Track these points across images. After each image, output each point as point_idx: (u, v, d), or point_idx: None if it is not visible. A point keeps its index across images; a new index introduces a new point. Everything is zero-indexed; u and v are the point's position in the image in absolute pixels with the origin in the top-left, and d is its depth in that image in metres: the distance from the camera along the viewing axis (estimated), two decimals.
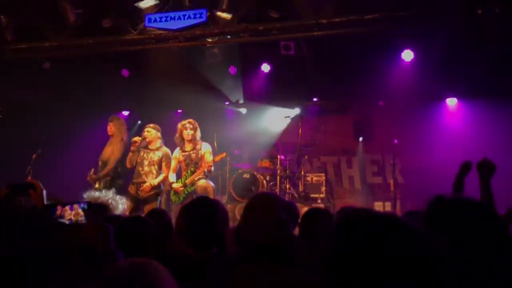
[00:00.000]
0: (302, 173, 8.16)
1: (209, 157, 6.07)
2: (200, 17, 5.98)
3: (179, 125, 6.15)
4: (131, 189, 6.02)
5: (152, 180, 5.97)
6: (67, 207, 1.96)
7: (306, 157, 8.40)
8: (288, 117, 8.87)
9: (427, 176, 7.69)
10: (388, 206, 7.68)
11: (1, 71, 6.95)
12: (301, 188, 8.07)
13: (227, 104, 9.32)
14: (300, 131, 8.03)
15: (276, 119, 9.17)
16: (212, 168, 6.14)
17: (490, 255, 1.54)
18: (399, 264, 1.01)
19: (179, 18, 6.03)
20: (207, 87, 8.16)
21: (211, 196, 5.75)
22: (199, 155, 6.08)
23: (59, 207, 1.94)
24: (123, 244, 1.85)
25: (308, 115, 9.04)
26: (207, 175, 6.16)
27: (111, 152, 6.19)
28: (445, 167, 7.14)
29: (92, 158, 6.43)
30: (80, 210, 1.94)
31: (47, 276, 1.44)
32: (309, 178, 8.20)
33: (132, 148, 6.06)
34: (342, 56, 7.24)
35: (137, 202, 5.95)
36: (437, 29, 6.14)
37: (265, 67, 7.99)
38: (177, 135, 6.15)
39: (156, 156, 6.08)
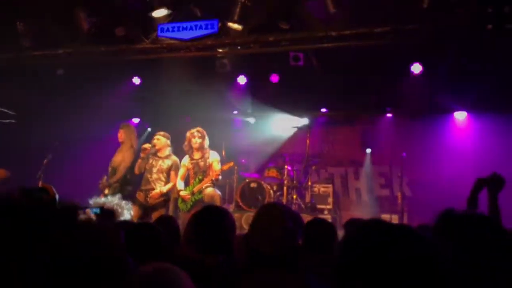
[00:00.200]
0: (309, 183, 8.16)
1: (217, 166, 6.11)
2: (212, 27, 6.07)
3: (188, 134, 6.21)
4: (139, 196, 6.07)
5: (161, 187, 6.02)
6: (80, 212, 2.01)
7: (313, 167, 8.41)
8: (296, 127, 8.90)
9: (435, 189, 7.65)
10: (395, 219, 7.64)
11: (15, 76, 7.07)
12: (308, 199, 8.07)
13: (235, 114, 9.38)
14: (308, 141, 8.05)
15: (284, 130, 9.20)
16: (220, 177, 6.17)
17: (496, 261, 1.56)
18: (407, 269, 1.04)
19: (191, 28, 6.12)
20: (216, 97, 8.23)
21: (218, 204, 5.81)
22: (207, 164, 6.13)
23: None
24: (132, 250, 1.88)
25: (316, 125, 9.07)
26: (215, 184, 6.20)
27: (121, 159, 6.26)
28: (453, 181, 7.15)
29: (102, 164, 6.49)
30: (92, 215, 1.99)
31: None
32: (316, 189, 8.19)
33: (141, 154, 6.12)
34: (350, 68, 7.27)
35: (145, 209, 6.00)
36: (447, 42, 6.17)
37: (274, 78, 8.05)
38: (185, 143, 6.21)
39: (165, 164, 6.13)
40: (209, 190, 6.04)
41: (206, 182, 6.04)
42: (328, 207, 8.03)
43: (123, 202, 3.36)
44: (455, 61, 6.58)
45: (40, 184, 5.59)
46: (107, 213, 2.73)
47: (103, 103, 7.90)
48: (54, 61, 6.99)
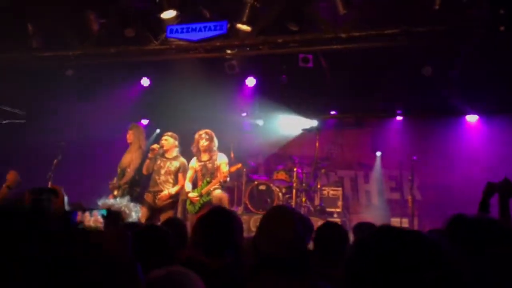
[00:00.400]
0: (319, 186, 8.11)
1: (224, 168, 6.10)
2: (221, 29, 6.05)
3: (196, 135, 6.21)
4: (148, 197, 6.07)
5: (169, 189, 6.02)
6: (87, 213, 2.00)
7: (322, 170, 8.36)
8: (306, 129, 8.86)
9: (446, 193, 7.58)
10: (405, 223, 7.58)
11: (25, 77, 7.12)
12: (317, 202, 8.02)
13: (244, 116, 9.36)
14: (317, 144, 8.00)
15: (293, 132, 9.17)
16: (228, 179, 6.17)
17: (507, 266, 1.53)
18: (418, 275, 1.03)
19: (200, 29, 6.12)
20: (225, 98, 8.22)
21: (226, 206, 5.80)
22: (215, 166, 6.11)
23: (79, 213, 1.98)
24: (139, 252, 1.87)
25: (326, 128, 9.02)
26: (223, 186, 6.19)
27: (130, 160, 6.26)
28: (464, 185, 7.07)
29: (112, 165, 6.51)
30: (99, 217, 1.97)
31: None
32: (325, 192, 8.14)
33: (149, 155, 6.13)
34: (360, 70, 7.22)
35: (153, 210, 6.00)
36: (458, 44, 6.10)
37: (283, 79, 8.02)
38: (194, 144, 6.21)
39: (173, 166, 6.13)
40: (217, 192, 6.03)
41: (214, 184, 6.03)
42: (338, 210, 7.98)
43: (131, 204, 3.34)
44: (467, 63, 6.50)
45: (49, 184, 5.61)
46: (114, 215, 2.72)
47: (112, 104, 7.93)
48: (64, 63, 7.03)
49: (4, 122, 7.45)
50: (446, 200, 7.48)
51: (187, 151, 6.37)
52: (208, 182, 6.03)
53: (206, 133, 6.16)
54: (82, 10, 6.42)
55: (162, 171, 6.10)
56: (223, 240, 2.37)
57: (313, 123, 8.95)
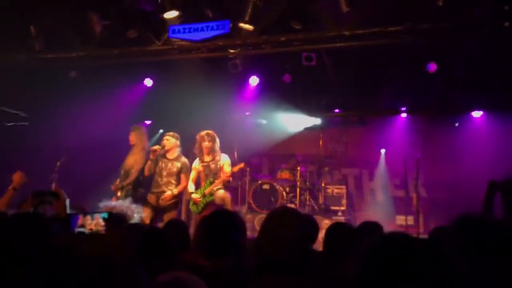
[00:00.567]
0: (323, 185, 8.10)
1: (227, 168, 6.09)
2: (223, 28, 6.03)
3: (198, 137, 6.20)
4: (151, 198, 6.07)
5: (172, 190, 6.02)
6: (88, 217, 2.00)
7: (326, 168, 8.34)
8: (309, 128, 8.83)
9: (451, 190, 7.54)
10: (410, 220, 7.56)
11: (28, 78, 7.14)
12: (321, 200, 8.01)
13: (247, 115, 9.34)
14: (321, 142, 8.00)
15: (296, 130, 9.14)
16: (231, 179, 6.17)
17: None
18: (424, 283, 1.05)
19: (202, 29, 6.10)
20: (228, 98, 8.21)
21: (229, 207, 5.81)
22: (218, 166, 6.11)
23: (80, 217, 1.97)
24: (140, 254, 1.86)
25: (329, 126, 9.00)
26: (226, 186, 6.18)
27: (133, 161, 6.26)
28: (469, 182, 7.01)
29: (115, 166, 6.51)
30: (100, 220, 1.97)
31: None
32: (329, 190, 8.13)
33: (151, 156, 6.12)
34: (364, 67, 7.19)
35: (157, 211, 6.00)
36: (462, 40, 6.05)
37: (286, 78, 8.00)
38: (196, 145, 6.21)
39: (174, 167, 6.11)
40: (220, 192, 6.03)
41: (217, 185, 6.02)
42: (342, 208, 7.97)
43: (134, 206, 3.34)
44: (471, 59, 6.45)
45: (53, 186, 5.62)
46: (116, 218, 2.72)
47: (115, 105, 7.94)
48: (67, 64, 7.04)
49: (8, 124, 7.47)
50: (452, 197, 7.44)
51: (190, 151, 6.36)
52: (211, 183, 6.03)
53: (208, 134, 6.15)
54: (85, 11, 6.42)
55: (164, 173, 6.09)
56: (225, 240, 2.36)
57: (316, 121, 8.93)
